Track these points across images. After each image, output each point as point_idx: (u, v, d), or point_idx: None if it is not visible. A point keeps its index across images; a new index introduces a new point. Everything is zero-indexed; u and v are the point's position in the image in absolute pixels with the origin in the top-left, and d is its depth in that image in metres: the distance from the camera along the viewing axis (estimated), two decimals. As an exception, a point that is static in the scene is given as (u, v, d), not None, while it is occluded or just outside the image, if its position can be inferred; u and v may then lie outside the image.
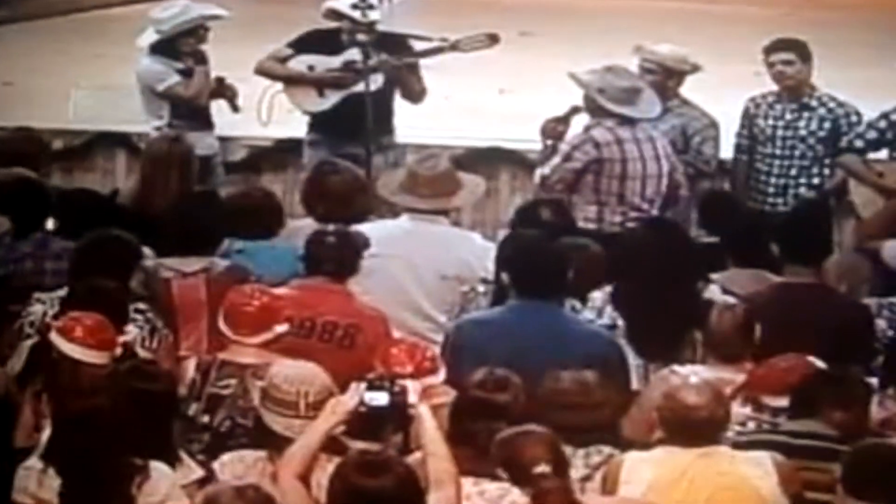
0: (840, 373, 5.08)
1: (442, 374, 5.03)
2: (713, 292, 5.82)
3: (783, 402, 4.98)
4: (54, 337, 5.11)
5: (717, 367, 5.28)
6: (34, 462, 4.66)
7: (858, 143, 7.35)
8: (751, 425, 5.00)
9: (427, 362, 5.00)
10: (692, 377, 5.03)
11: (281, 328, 5.27)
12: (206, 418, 5.14)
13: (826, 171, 7.48)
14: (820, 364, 5.12)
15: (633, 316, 5.68)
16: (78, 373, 4.97)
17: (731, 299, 5.40)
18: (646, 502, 4.52)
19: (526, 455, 4.32)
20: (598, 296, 5.79)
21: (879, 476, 4.37)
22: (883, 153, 7.36)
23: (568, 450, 4.62)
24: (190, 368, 5.24)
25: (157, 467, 4.59)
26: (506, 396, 4.65)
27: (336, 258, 5.72)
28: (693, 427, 4.65)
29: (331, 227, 5.95)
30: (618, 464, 4.69)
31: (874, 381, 5.33)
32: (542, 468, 4.25)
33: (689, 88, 7.61)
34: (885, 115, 7.31)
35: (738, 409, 5.03)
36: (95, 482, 4.50)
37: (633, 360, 5.59)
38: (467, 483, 4.53)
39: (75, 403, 4.60)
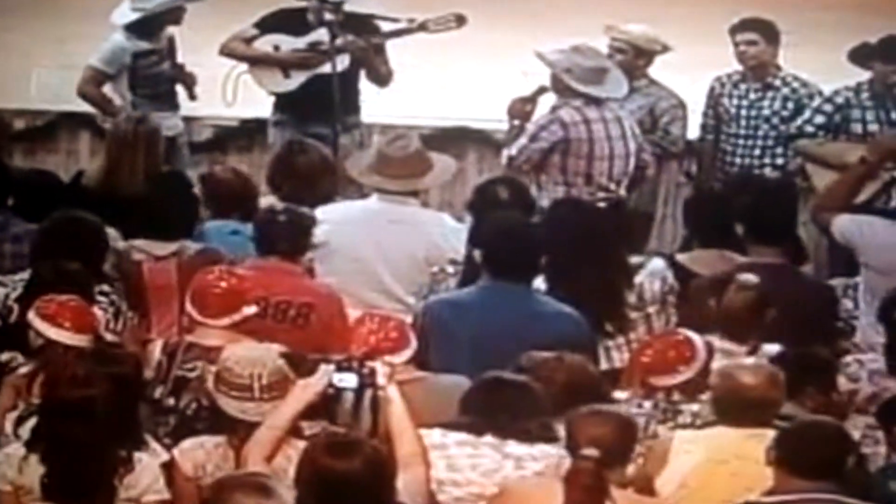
0: (812, 352, 5.12)
1: (409, 352, 4.99)
2: (651, 268, 5.80)
3: (671, 380, 4.95)
4: (38, 323, 5.07)
5: (724, 341, 5.30)
6: (15, 448, 4.63)
7: (809, 128, 7.38)
8: (646, 405, 4.98)
9: (390, 339, 4.97)
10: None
11: (249, 310, 5.26)
12: (171, 401, 5.12)
13: (790, 152, 7.50)
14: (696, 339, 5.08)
15: (557, 288, 5.65)
16: (66, 357, 4.93)
17: (752, 278, 5.40)
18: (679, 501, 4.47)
19: (584, 434, 4.31)
20: None
21: (820, 454, 4.40)
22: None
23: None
24: (156, 351, 5.22)
25: (141, 458, 4.58)
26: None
27: (288, 237, 5.70)
28: (745, 407, 4.67)
29: (280, 206, 5.92)
30: (665, 442, 4.70)
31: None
32: (591, 451, 4.22)
33: (660, 68, 7.60)
34: (829, 99, 7.36)
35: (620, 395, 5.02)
36: (81, 472, 4.48)
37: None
38: (462, 456, 4.50)
39: (66, 391, 4.56)
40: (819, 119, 7.33)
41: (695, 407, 4.96)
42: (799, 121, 7.36)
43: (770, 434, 4.64)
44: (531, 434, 4.59)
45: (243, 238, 6.12)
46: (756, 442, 4.60)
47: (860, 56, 7.25)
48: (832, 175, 7.21)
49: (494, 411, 4.62)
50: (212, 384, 4.75)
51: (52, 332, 5.03)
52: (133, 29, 7.61)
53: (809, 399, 4.90)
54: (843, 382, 5.24)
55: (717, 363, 5.05)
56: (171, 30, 7.70)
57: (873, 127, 7.23)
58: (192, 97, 7.75)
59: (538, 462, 4.55)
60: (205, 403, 5.04)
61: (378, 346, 4.96)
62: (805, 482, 4.38)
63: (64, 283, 5.23)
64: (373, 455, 4.17)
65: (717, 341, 5.25)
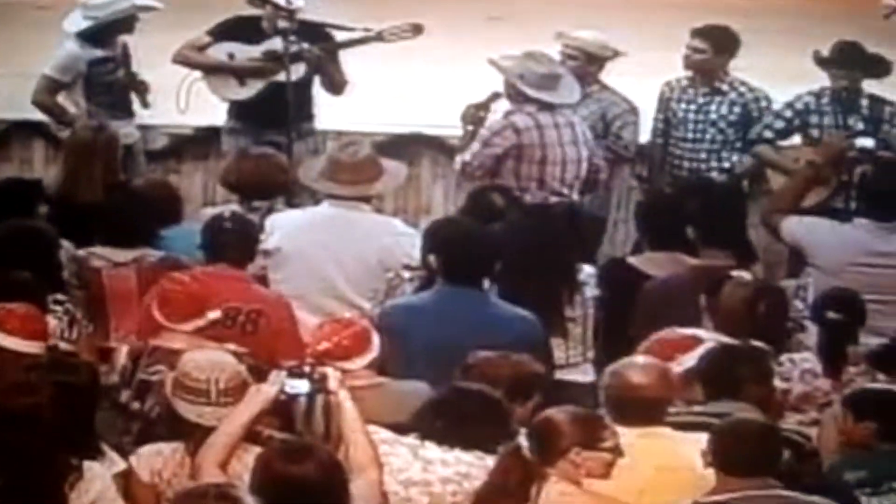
0: (752, 350, 5.16)
1: (369, 357, 5.02)
2: (586, 274, 5.88)
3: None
4: None
5: (719, 336, 5.33)
6: None
7: (768, 134, 7.46)
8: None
9: (348, 344, 5.00)
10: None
11: (213, 314, 5.28)
12: (136, 405, 5.13)
13: (737, 155, 7.58)
14: None
15: (506, 294, 5.71)
16: (15, 365, 4.93)
17: (746, 276, 5.45)
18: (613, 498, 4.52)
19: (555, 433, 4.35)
20: None
21: (755, 451, 4.44)
22: (795, 138, 7.47)
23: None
24: (122, 355, 5.23)
25: (91, 467, 4.56)
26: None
27: (235, 244, 5.74)
28: (636, 406, 4.68)
29: (226, 213, 5.96)
30: None
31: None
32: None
33: (613, 73, 7.67)
34: (789, 105, 7.43)
35: None
36: (29, 480, 4.44)
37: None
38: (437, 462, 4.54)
39: (12, 399, 4.55)
40: (779, 124, 7.41)
41: None
42: (759, 125, 7.44)
43: (662, 431, 4.69)
44: (480, 441, 4.62)
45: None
46: (649, 440, 4.63)
47: (820, 62, 7.34)
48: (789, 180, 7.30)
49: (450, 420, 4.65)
50: (169, 389, 4.76)
51: (2, 340, 5.03)
52: (86, 37, 7.60)
53: (747, 393, 4.92)
54: (776, 381, 5.30)
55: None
56: (125, 38, 7.70)
57: (831, 131, 7.30)
58: (145, 105, 7.75)
59: (448, 467, 4.58)
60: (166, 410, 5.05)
61: (336, 350, 4.98)
62: (743, 480, 4.42)
63: (15, 293, 5.23)
64: (327, 460, 4.20)
65: (706, 334, 5.29)
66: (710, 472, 4.55)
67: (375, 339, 5.08)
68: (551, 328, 5.75)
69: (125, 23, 7.65)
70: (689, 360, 5.08)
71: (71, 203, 6.50)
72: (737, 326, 5.39)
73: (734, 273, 5.55)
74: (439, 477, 4.56)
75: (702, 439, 4.66)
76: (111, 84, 7.64)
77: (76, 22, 7.62)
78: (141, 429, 5.08)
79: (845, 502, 4.59)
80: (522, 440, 4.33)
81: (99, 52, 7.62)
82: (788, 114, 7.41)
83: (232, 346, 5.01)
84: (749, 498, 4.38)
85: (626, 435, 4.52)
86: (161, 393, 4.99)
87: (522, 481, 4.29)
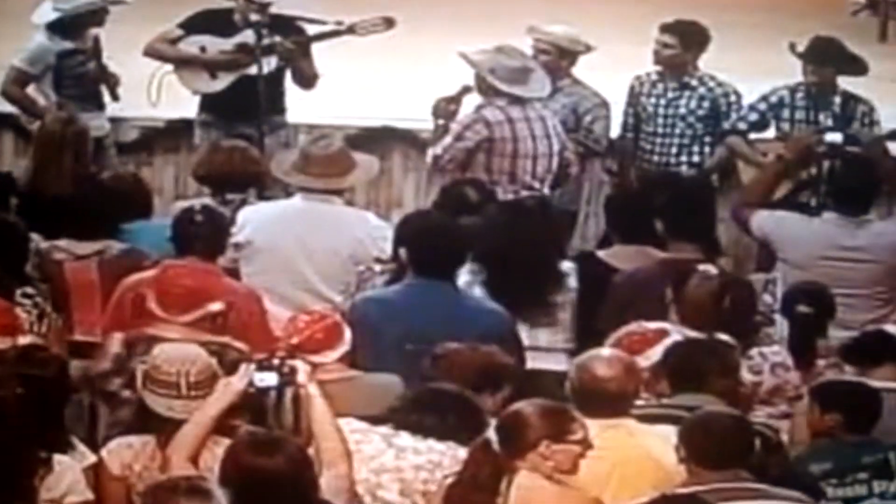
0: (717, 343, 5.19)
1: (340, 350, 5.02)
2: (567, 266, 5.91)
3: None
4: None
5: (684, 328, 5.37)
6: None
7: (741, 125, 7.49)
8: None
9: (319, 337, 5.00)
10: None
11: (214, 306, 5.27)
12: (127, 393, 5.11)
13: (706, 150, 7.61)
14: None
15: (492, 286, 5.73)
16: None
17: (712, 270, 5.47)
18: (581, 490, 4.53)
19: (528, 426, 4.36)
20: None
21: (726, 444, 4.46)
22: (770, 132, 7.50)
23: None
24: (115, 343, 5.22)
25: (62, 460, 4.54)
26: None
27: (205, 237, 5.73)
28: (601, 399, 4.69)
29: (197, 206, 5.96)
30: None
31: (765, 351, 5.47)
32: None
33: (584, 67, 7.68)
34: (764, 98, 7.46)
35: None
36: None
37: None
38: (349, 441, 4.53)
39: None
40: (753, 116, 7.43)
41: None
42: (734, 117, 7.46)
43: (627, 423, 4.71)
44: (449, 430, 4.64)
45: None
46: (613, 432, 4.65)
47: (796, 55, 7.36)
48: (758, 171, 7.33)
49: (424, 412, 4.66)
50: (140, 382, 4.75)
51: None
52: (56, 29, 7.58)
53: (712, 386, 4.94)
54: (746, 375, 5.33)
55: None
56: (96, 30, 7.68)
57: (801, 127, 7.33)
58: (115, 98, 7.73)
59: (420, 455, 4.59)
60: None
61: (308, 343, 4.98)
62: (714, 473, 4.44)
63: None
64: (296, 453, 4.20)
65: (673, 327, 5.32)
66: (675, 465, 4.57)
67: (347, 332, 5.09)
68: (537, 317, 5.77)
69: (95, 15, 7.62)
70: (656, 353, 5.10)
71: (40, 195, 6.48)
72: (703, 320, 5.41)
73: (700, 267, 5.57)
74: (411, 464, 4.58)
75: (667, 432, 4.69)
76: (81, 76, 7.62)
77: (45, 13, 7.60)
78: (133, 416, 5.03)
79: (811, 493, 4.62)
80: (491, 434, 4.34)
81: (69, 44, 7.60)
82: (763, 106, 7.44)
83: (237, 343, 4.99)
84: (719, 490, 4.39)
85: (592, 427, 4.52)
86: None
87: (492, 474, 4.31)
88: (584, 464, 4.45)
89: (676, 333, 5.24)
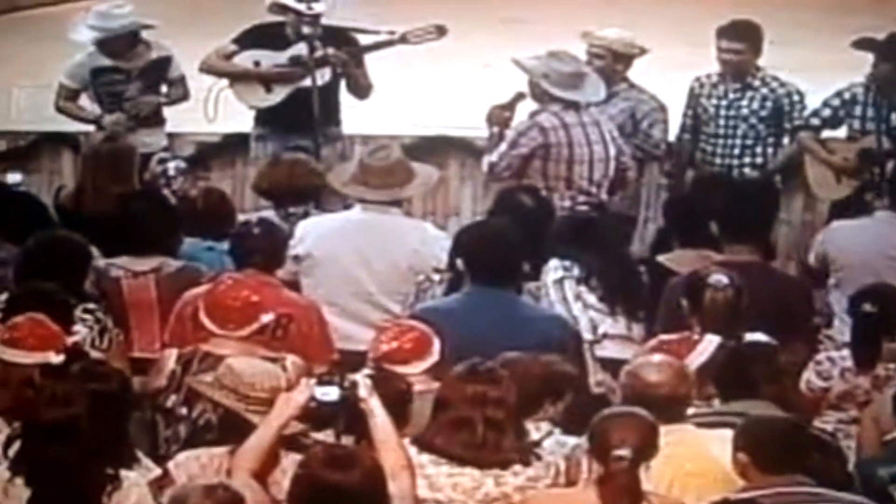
0: (758, 346, 5.14)
1: (428, 363, 4.99)
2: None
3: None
4: (1, 350, 5.03)
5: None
6: (1, 470, 4.60)
7: (814, 121, 7.42)
8: None
9: (406, 349, 4.97)
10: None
11: (266, 318, 5.26)
12: (183, 410, 5.13)
13: (769, 151, 7.54)
14: None
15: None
16: (29, 377, 4.93)
17: (723, 279, 5.45)
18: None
19: (614, 436, 4.35)
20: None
21: (785, 448, 4.43)
22: (841, 132, 7.42)
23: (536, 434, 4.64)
24: (171, 360, 5.23)
25: (128, 476, 4.56)
26: (497, 387, 4.62)
27: (263, 249, 5.74)
28: (653, 404, 4.67)
29: (254, 219, 5.96)
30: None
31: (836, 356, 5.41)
32: (623, 452, 4.27)
33: (637, 70, 7.64)
34: (838, 94, 7.39)
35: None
36: (66, 492, 4.45)
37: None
38: (441, 475, 4.53)
39: (46, 411, 4.54)
40: (826, 112, 7.36)
41: None
42: (807, 112, 7.38)
43: (687, 429, 4.68)
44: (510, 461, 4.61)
45: (218, 254, 6.15)
46: (673, 438, 4.61)
47: (865, 49, 7.27)
48: (825, 170, 7.28)
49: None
50: (231, 401, 4.73)
51: (8, 354, 4.98)
52: (99, 46, 7.63)
53: (763, 391, 4.90)
54: (815, 380, 5.27)
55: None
56: (161, 51, 7.71)
57: (870, 125, 7.23)
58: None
59: (518, 477, 4.58)
60: (213, 415, 5.00)
61: (396, 353, 4.97)
62: (773, 477, 4.41)
63: (41, 304, 5.21)
64: (371, 467, 4.20)
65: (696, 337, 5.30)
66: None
67: (436, 344, 5.05)
68: (634, 311, 5.86)
69: (132, 35, 7.66)
70: (697, 358, 5.06)
71: (80, 214, 6.51)
72: (725, 330, 5.34)
73: (712, 277, 5.50)
74: (514, 487, 4.56)
75: (727, 436, 4.65)
76: (119, 94, 7.66)
77: (81, 31, 7.66)
78: (188, 433, 5.08)
79: (879, 498, 4.56)
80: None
81: (106, 62, 7.65)
82: (836, 102, 7.37)
83: (293, 357, 4.98)
84: (779, 494, 4.37)
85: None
86: (211, 398, 4.94)
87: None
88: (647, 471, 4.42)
89: (713, 337, 5.20)
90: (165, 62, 7.71)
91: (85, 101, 7.72)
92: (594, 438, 4.41)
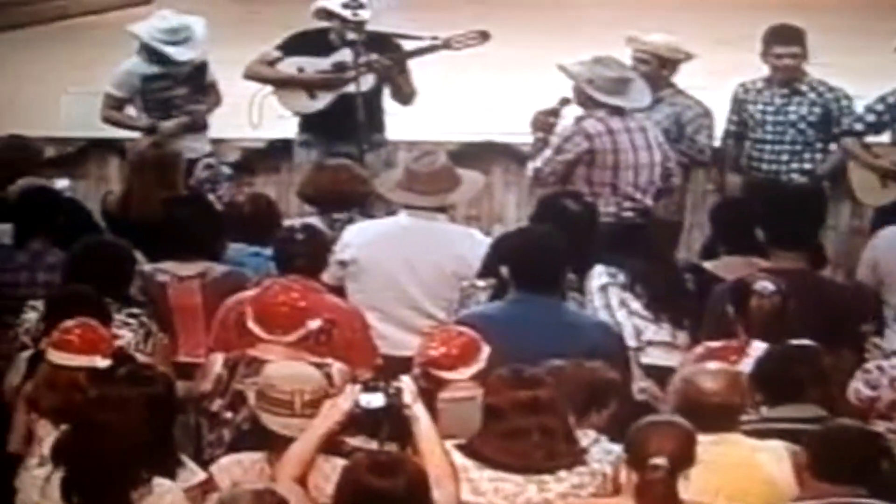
0: (802, 349, 5.08)
1: (474, 369, 4.96)
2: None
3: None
4: (50, 353, 5.07)
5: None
6: (39, 472, 4.63)
7: (858, 126, 7.36)
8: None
9: (452, 355, 4.93)
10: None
11: (313, 324, 5.27)
12: (228, 414, 5.13)
13: (818, 156, 7.48)
14: None
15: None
16: (76, 380, 4.95)
17: (769, 286, 5.41)
18: None
19: (651, 444, 4.32)
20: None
21: (851, 458, 4.37)
22: (885, 137, 7.36)
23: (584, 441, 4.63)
24: (217, 364, 5.23)
25: (161, 483, 4.55)
26: (544, 392, 4.62)
27: (306, 254, 5.73)
28: (707, 412, 4.64)
29: (297, 225, 5.95)
30: None
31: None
32: (659, 461, 4.25)
33: (685, 75, 7.60)
34: (882, 99, 7.33)
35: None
36: (103, 494, 4.45)
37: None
38: (483, 480, 4.52)
39: (93, 415, 4.56)
40: (870, 118, 7.31)
41: None
42: (850, 117, 7.33)
43: (736, 438, 4.63)
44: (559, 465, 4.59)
45: (263, 259, 6.16)
46: (722, 448, 4.57)
47: None
48: (870, 175, 7.22)
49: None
50: (254, 400, 4.76)
51: (56, 357, 5.02)
52: (144, 53, 7.65)
53: (809, 395, 4.85)
54: (863, 389, 5.22)
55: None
56: (202, 56, 7.74)
57: None
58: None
59: (561, 483, 4.56)
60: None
61: (443, 359, 4.94)
62: (835, 487, 4.35)
63: (78, 307, 5.22)
64: (415, 473, 4.19)
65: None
66: (786, 481, 4.48)
67: (484, 351, 5.01)
68: (679, 318, 5.85)
69: (184, 40, 7.67)
70: (745, 365, 5.03)
71: (126, 219, 6.53)
72: (767, 334, 5.29)
73: (757, 284, 5.46)
74: (557, 494, 4.53)
75: (778, 446, 4.62)
76: (168, 100, 7.68)
77: (146, 30, 7.66)
78: (233, 438, 5.07)
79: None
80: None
81: (155, 69, 7.67)
82: (880, 107, 7.32)
83: (339, 364, 4.98)
84: None
85: (700, 442, 4.47)
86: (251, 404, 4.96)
87: None
88: (692, 478, 4.39)
89: (760, 344, 5.16)
90: (203, 67, 7.74)
91: (130, 109, 7.75)
92: (631, 447, 4.38)
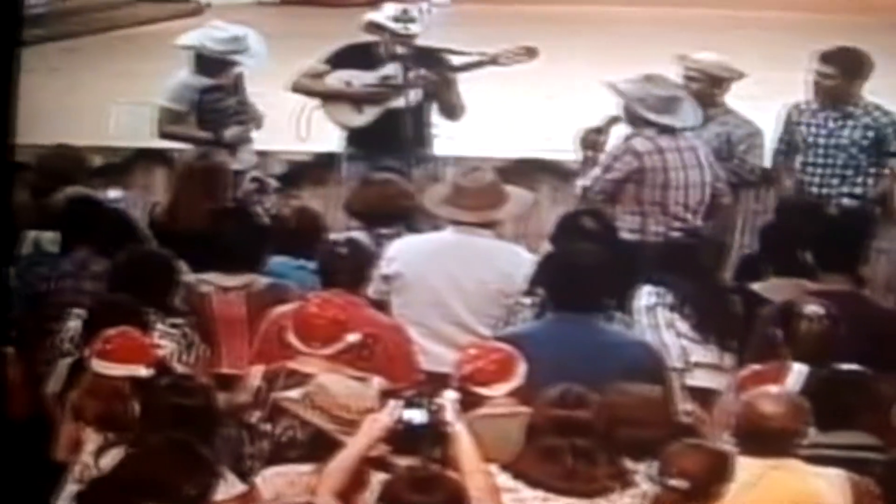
0: (855, 374, 5.02)
1: (511, 385, 4.94)
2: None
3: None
4: (94, 362, 5.08)
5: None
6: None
7: None
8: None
9: (490, 370, 4.92)
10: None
11: (352, 338, 5.25)
12: (267, 426, 5.12)
13: (869, 181, 7.40)
14: None
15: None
16: (119, 389, 4.94)
17: (818, 309, 5.36)
18: None
19: (675, 466, 4.29)
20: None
21: None
22: None
23: (629, 463, 4.58)
24: (256, 377, 5.23)
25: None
26: (587, 413, 4.57)
27: (349, 269, 5.72)
28: (765, 437, 4.61)
29: (341, 238, 5.95)
30: None
31: None
32: (680, 483, 4.19)
33: (737, 95, 7.54)
34: None
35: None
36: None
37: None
38: (537, 500, 4.49)
39: (135, 424, 4.54)
40: None
41: None
42: None
43: (793, 463, 4.57)
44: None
45: (307, 273, 6.14)
46: (779, 473, 4.52)
47: None
48: None
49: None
50: (322, 420, 4.72)
51: (101, 366, 5.04)
52: (197, 65, 7.66)
53: (863, 422, 4.79)
54: None
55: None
56: (238, 68, 7.74)
57: None
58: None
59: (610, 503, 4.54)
60: (300, 432, 4.99)
61: (479, 374, 4.93)
62: None
63: (117, 316, 5.25)
64: (454, 489, 4.18)
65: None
66: None
67: (521, 367, 4.99)
68: (726, 340, 5.82)
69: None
70: (791, 388, 4.98)
71: (171, 229, 6.52)
72: (815, 357, 5.23)
73: (807, 308, 5.39)
74: None
75: (833, 474, 4.56)
76: (221, 112, 7.68)
77: (203, 40, 7.66)
78: (271, 450, 5.06)
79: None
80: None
81: (207, 80, 7.68)
82: None
83: (378, 379, 4.98)
84: None
85: (757, 466, 4.42)
86: (299, 416, 4.94)
87: None
88: (751, 501, 4.33)
89: (802, 367, 5.09)
90: (241, 77, 7.74)
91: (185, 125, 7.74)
92: (659, 466, 4.32)
